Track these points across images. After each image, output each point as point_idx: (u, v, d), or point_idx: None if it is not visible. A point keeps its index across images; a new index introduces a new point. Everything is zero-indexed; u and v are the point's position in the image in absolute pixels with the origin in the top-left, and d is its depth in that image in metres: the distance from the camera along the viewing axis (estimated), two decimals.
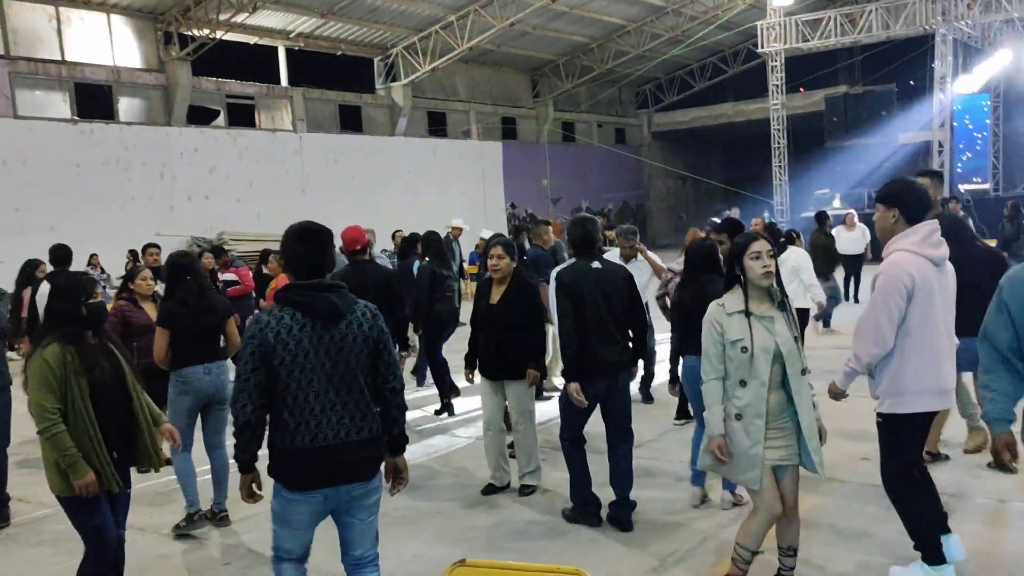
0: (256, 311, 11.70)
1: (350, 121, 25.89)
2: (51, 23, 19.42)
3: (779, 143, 28.22)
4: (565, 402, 5.33)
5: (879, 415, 4.15)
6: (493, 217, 28.25)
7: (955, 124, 25.56)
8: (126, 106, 20.89)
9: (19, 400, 5.16)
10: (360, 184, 24.35)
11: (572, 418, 5.37)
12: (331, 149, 24.40)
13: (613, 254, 8.19)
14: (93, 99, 20.09)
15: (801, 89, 31.76)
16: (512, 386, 5.96)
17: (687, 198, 38.69)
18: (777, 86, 27.86)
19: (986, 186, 26.72)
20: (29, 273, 8.80)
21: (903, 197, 4.13)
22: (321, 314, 3.41)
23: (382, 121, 26.60)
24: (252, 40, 23.04)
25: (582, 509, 5.38)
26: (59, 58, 19.52)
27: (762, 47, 27.56)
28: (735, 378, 3.90)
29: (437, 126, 28.65)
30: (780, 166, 28.20)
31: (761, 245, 3.94)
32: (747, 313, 3.91)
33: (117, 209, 19.12)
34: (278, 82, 24.25)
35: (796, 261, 8.89)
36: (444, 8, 24.34)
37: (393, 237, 14.97)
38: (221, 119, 22.94)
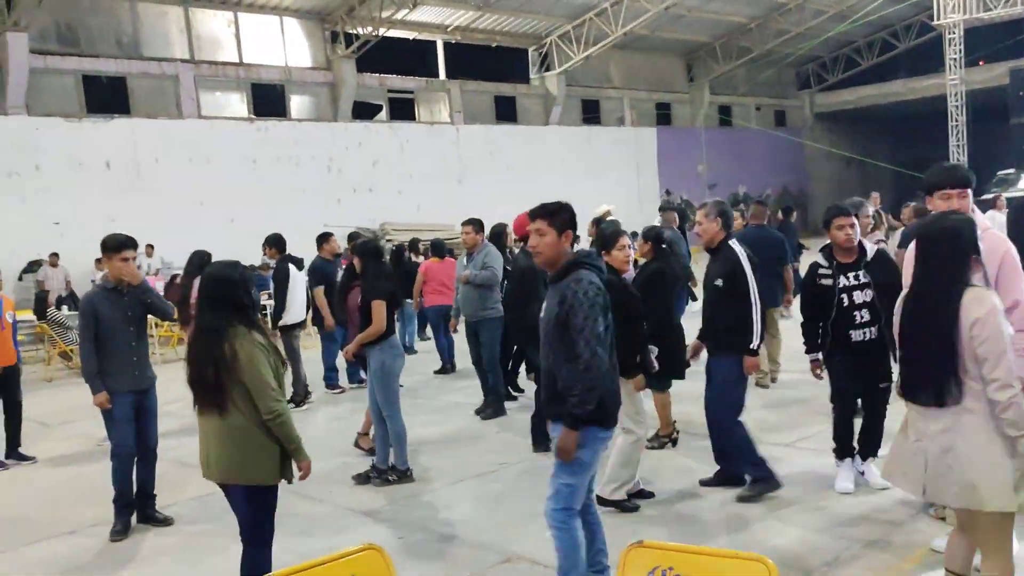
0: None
1: (505, 112, 26.26)
2: (230, 27, 20.76)
3: (957, 120, 26.41)
4: (736, 379, 5.47)
5: None
6: (648, 204, 27.92)
7: None
8: (297, 104, 22.06)
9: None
10: (515, 173, 24.66)
11: (741, 394, 5.55)
12: (487, 140, 24.85)
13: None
14: (267, 98, 21.35)
15: (982, 62, 29.50)
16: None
17: (852, 182, 36.82)
18: (955, 60, 26.04)
19: None
20: (201, 264, 9.01)
21: (974, 183, 4.17)
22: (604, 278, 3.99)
23: (536, 111, 26.82)
24: (412, 35, 23.76)
25: (763, 479, 5.41)
26: (237, 60, 20.85)
27: (938, 19, 25.80)
28: None
29: (591, 114, 28.58)
30: (958, 145, 26.39)
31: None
32: None
33: (289, 202, 20.21)
34: (436, 76, 24.90)
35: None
36: None
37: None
38: (383, 113, 23.82)
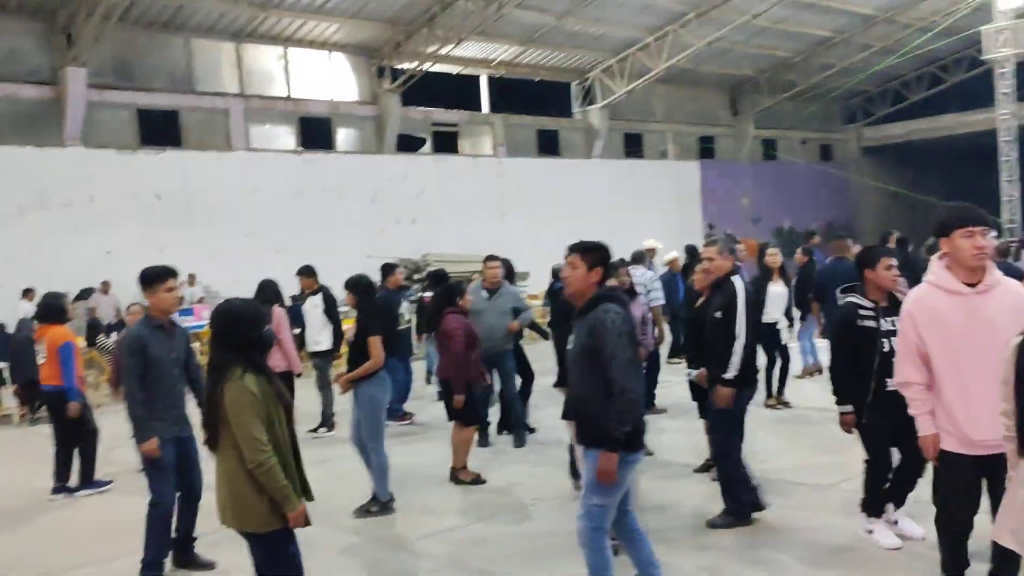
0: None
1: (548, 145, 26.42)
2: (279, 62, 21.25)
3: (1008, 156, 25.91)
4: (732, 414, 5.63)
5: None
6: (691, 238, 27.74)
7: None
8: (343, 136, 22.44)
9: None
10: (557, 207, 24.70)
11: (739, 426, 5.73)
12: (530, 173, 24.99)
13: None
14: (314, 131, 21.76)
15: None
16: None
17: (900, 217, 36.21)
18: (1006, 94, 25.62)
19: None
20: (273, 293, 8.97)
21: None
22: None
23: (579, 144, 26.93)
24: (456, 70, 24.07)
25: (741, 509, 5.63)
26: (286, 95, 21.30)
27: (987, 53, 25.46)
28: None
29: (633, 147, 28.60)
30: (1009, 180, 25.87)
31: None
32: None
33: (334, 232, 20.46)
34: (480, 109, 25.17)
35: None
36: (642, 29, 24.34)
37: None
38: (427, 146, 24.11)
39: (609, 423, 3.98)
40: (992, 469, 3.87)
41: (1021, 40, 24.75)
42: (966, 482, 4.01)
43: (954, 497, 4.06)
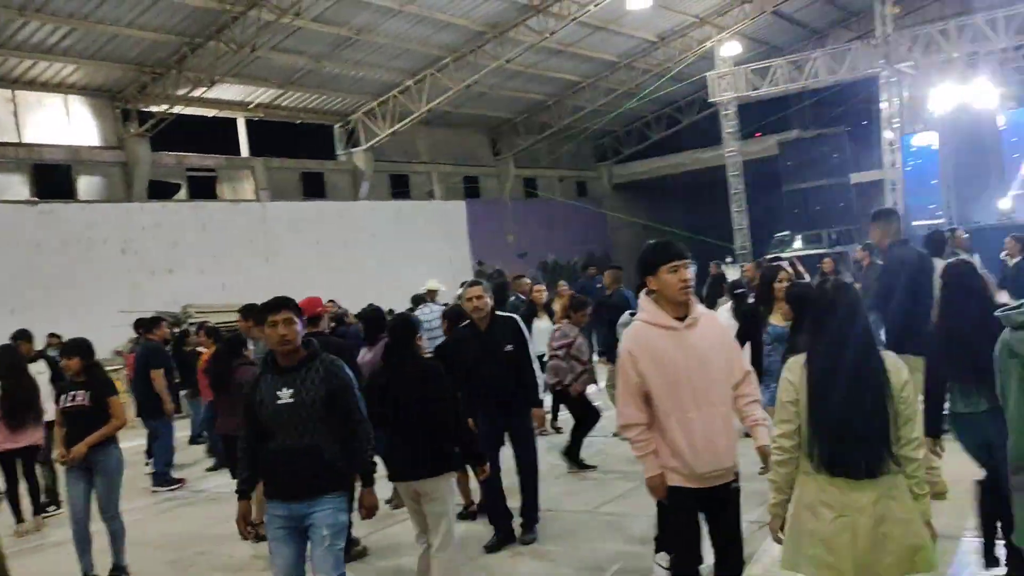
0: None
1: (313, 188, 26.00)
2: (7, 105, 19.41)
3: (737, 188, 28.76)
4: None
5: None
6: (461, 275, 28.26)
7: (907, 162, 26.16)
8: (86, 184, 20.82)
9: None
10: (326, 250, 24.33)
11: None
12: (295, 217, 24.43)
13: None
14: (52, 179, 20.01)
15: (758, 134, 32.40)
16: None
17: None
18: (731, 133, 28.49)
19: (941, 220, 27.27)
20: (12, 364, 8.03)
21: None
22: None
23: (345, 186, 26.73)
24: (211, 113, 23.15)
25: (501, 525, 6.06)
26: (16, 140, 19.47)
27: (713, 97, 28.21)
28: None
29: (400, 188, 28.82)
30: (739, 211, 28.69)
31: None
32: None
33: (81, 288, 18.88)
34: (239, 153, 24.33)
35: None
36: (401, 73, 24.67)
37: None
38: (182, 192, 22.92)
39: (365, 461, 4.23)
40: (713, 501, 3.96)
41: (740, 85, 27.71)
42: (693, 516, 4.00)
43: (685, 532, 4.03)
